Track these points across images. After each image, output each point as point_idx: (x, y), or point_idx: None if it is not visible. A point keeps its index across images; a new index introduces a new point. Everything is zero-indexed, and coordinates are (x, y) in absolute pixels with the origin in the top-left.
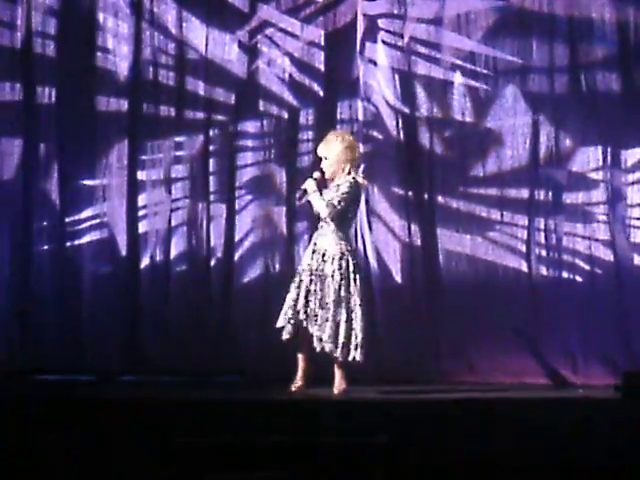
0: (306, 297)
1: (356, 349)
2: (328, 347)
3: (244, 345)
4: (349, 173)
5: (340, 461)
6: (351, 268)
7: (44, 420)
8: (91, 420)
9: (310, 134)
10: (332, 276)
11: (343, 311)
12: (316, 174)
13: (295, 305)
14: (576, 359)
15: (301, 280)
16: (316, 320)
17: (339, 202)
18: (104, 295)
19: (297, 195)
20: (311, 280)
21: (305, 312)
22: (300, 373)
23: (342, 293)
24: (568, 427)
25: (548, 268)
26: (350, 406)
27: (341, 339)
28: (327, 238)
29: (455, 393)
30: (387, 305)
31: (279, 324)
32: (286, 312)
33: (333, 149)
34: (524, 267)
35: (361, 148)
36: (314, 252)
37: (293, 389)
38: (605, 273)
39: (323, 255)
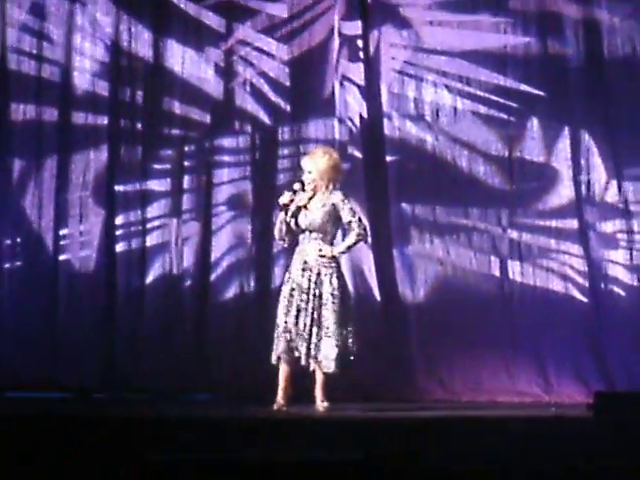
0: (296, 316)
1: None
2: (331, 365)
3: (217, 363)
4: (331, 192)
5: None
6: (341, 284)
7: (16, 438)
8: (65, 437)
9: (286, 152)
10: (332, 294)
11: (341, 328)
12: (296, 185)
13: (286, 325)
14: (549, 377)
15: (291, 300)
16: (309, 338)
17: (359, 218)
18: (79, 313)
19: (287, 209)
20: (304, 299)
21: (295, 331)
22: (282, 392)
23: (339, 311)
24: (539, 445)
25: (523, 282)
26: (330, 424)
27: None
28: (315, 253)
29: (428, 411)
30: (362, 323)
31: (278, 351)
32: (281, 335)
33: (320, 164)
34: (498, 282)
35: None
36: (304, 270)
37: (276, 408)
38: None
39: (318, 274)
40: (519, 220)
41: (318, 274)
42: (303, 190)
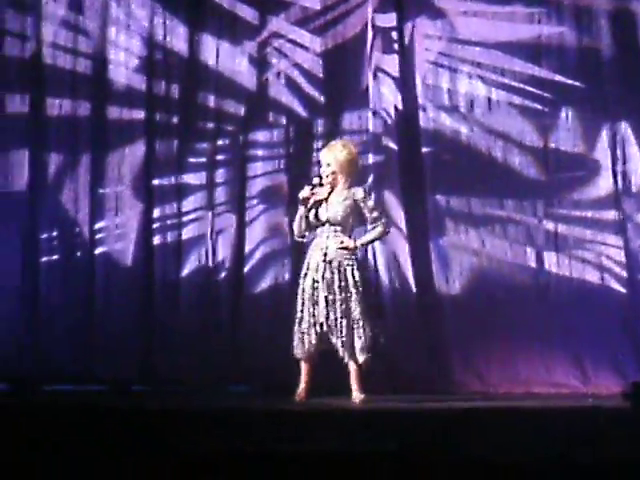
0: (326, 308)
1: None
2: (358, 356)
3: (252, 355)
4: (349, 186)
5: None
6: (363, 276)
7: (54, 429)
8: (102, 429)
9: (320, 144)
10: (355, 287)
11: (368, 320)
12: (315, 180)
13: (315, 319)
14: (586, 368)
15: (315, 292)
16: (341, 331)
17: (380, 213)
18: (116, 306)
19: (307, 202)
20: (332, 292)
21: (327, 324)
22: (304, 384)
23: (364, 303)
24: (578, 436)
25: (559, 273)
26: (367, 415)
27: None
28: (335, 246)
29: (464, 402)
30: (398, 315)
31: (306, 345)
32: (310, 329)
33: (339, 157)
34: (534, 273)
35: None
36: (327, 262)
37: (297, 399)
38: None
39: (339, 266)
40: (555, 211)
41: (339, 266)
42: (321, 185)
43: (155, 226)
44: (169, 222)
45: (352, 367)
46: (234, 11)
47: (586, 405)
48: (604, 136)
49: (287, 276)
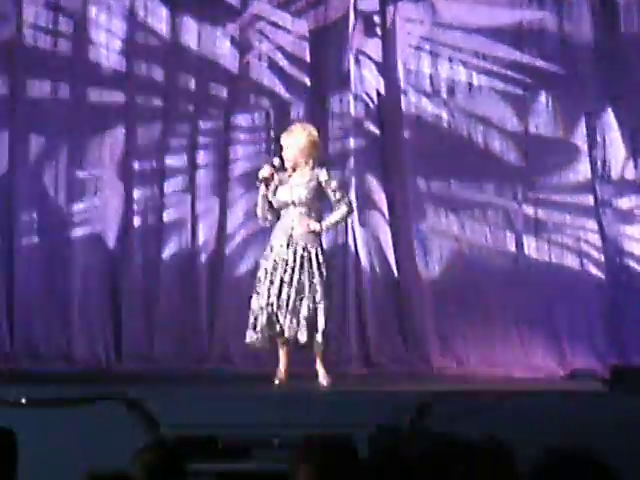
0: (279, 289)
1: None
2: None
3: (233, 338)
4: (312, 168)
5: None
6: (325, 259)
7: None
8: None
9: None
10: (318, 269)
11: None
12: (276, 161)
13: (268, 300)
14: (564, 352)
15: (274, 273)
16: (294, 309)
17: (342, 194)
18: (93, 288)
19: (257, 184)
20: (288, 272)
21: (277, 303)
22: (283, 367)
23: (324, 285)
24: (556, 419)
25: (538, 257)
26: (337, 397)
27: (320, 328)
28: (300, 228)
29: (441, 384)
30: (377, 298)
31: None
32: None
33: (299, 140)
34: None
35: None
36: (290, 245)
37: (277, 382)
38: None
39: (303, 249)
40: (534, 195)
41: (304, 248)
42: (282, 166)
43: (135, 207)
44: (148, 204)
45: (316, 349)
46: None
47: (564, 388)
48: (583, 122)
49: None
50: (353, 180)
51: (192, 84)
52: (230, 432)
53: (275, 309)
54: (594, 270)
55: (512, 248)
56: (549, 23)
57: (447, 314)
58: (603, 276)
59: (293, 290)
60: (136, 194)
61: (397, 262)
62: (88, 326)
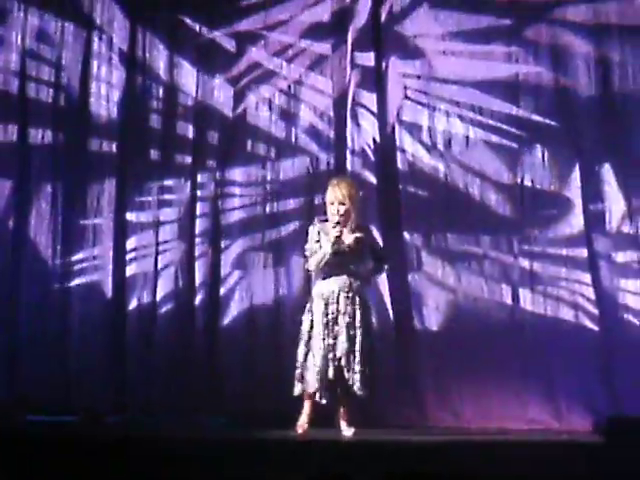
0: (347, 342)
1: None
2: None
3: (230, 384)
4: (359, 221)
5: None
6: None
7: (30, 460)
8: (76, 460)
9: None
10: (363, 320)
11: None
12: (335, 218)
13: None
14: (559, 405)
15: (336, 327)
16: (360, 363)
17: (381, 248)
18: (91, 336)
19: (338, 242)
20: (351, 326)
21: (346, 359)
22: (306, 417)
23: (370, 338)
24: (550, 470)
25: (534, 310)
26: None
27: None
28: (352, 280)
29: (438, 436)
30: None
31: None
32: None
33: (353, 195)
34: (509, 310)
35: None
36: (347, 296)
37: (300, 430)
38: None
39: (357, 300)
40: (530, 248)
41: (357, 301)
42: (338, 223)
43: (131, 256)
44: (144, 252)
45: (345, 401)
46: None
47: (560, 440)
48: (578, 175)
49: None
50: None
51: (189, 132)
52: None
53: (344, 362)
54: (589, 323)
55: (508, 300)
56: (545, 77)
57: (443, 365)
58: (597, 329)
59: (357, 344)
60: (132, 242)
61: (393, 312)
62: (85, 374)
